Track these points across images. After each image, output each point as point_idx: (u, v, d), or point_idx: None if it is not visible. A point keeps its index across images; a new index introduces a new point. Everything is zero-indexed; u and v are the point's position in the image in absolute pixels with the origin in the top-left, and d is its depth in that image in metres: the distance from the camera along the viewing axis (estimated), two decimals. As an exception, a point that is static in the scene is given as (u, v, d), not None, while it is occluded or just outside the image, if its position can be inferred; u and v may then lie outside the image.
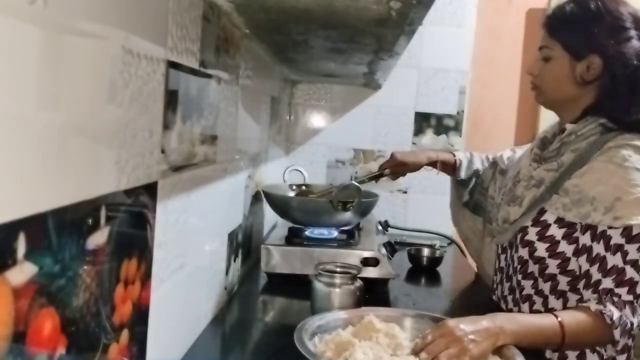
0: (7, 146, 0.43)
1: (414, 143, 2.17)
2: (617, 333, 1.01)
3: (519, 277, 1.19)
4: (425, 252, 1.71)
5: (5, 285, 0.43)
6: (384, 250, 1.43)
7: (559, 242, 1.11)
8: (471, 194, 1.56)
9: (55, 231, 0.50)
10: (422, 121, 2.18)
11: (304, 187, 1.76)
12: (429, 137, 2.19)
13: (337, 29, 1.05)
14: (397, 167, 1.55)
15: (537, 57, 1.22)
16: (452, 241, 1.99)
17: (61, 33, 0.49)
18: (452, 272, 1.76)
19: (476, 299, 1.49)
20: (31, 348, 0.48)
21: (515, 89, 2.21)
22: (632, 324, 1.02)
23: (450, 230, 2.09)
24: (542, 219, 1.14)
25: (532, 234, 1.15)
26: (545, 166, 1.19)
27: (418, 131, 2.19)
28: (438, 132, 2.19)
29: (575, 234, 1.10)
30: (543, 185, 1.16)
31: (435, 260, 1.68)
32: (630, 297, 1.03)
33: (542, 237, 1.13)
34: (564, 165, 1.14)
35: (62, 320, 0.52)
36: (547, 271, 1.13)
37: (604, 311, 1.01)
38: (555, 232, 1.12)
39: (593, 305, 1.02)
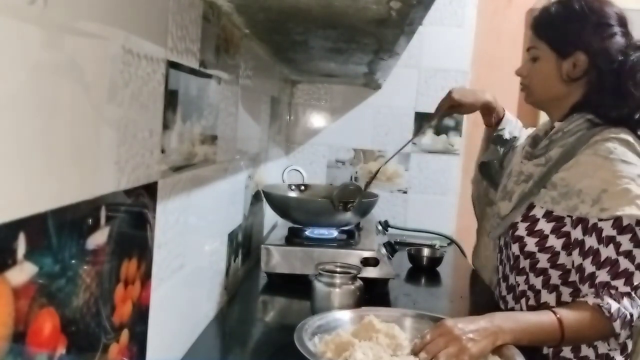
0: (7, 146, 0.43)
1: (414, 143, 2.17)
2: (617, 325, 1.01)
3: (514, 273, 1.21)
4: (425, 252, 1.72)
5: (5, 285, 0.43)
6: (384, 250, 1.43)
7: (547, 236, 1.13)
8: (504, 155, 1.49)
9: (55, 231, 0.50)
10: (422, 121, 2.18)
11: (302, 187, 1.75)
12: (429, 137, 2.19)
13: (337, 29, 1.05)
14: (453, 109, 1.49)
15: (525, 58, 1.25)
16: (452, 241, 1.99)
17: (61, 33, 0.49)
18: (452, 272, 1.76)
19: (476, 299, 1.49)
20: (31, 348, 0.48)
21: (515, 89, 2.18)
22: (631, 315, 1.03)
23: (450, 230, 2.10)
24: (531, 214, 1.16)
25: (521, 230, 1.17)
26: (533, 161, 1.22)
27: (418, 131, 2.18)
28: (438, 132, 2.19)
29: (565, 228, 1.12)
30: (532, 180, 1.19)
31: (435, 260, 1.68)
32: (627, 289, 1.04)
33: (531, 232, 1.15)
34: (552, 160, 1.17)
35: (62, 320, 0.52)
36: (538, 266, 1.15)
37: (601, 304, 1.01)
38: (544, 226, 1.14)
39: (590, 300, 1.03)
